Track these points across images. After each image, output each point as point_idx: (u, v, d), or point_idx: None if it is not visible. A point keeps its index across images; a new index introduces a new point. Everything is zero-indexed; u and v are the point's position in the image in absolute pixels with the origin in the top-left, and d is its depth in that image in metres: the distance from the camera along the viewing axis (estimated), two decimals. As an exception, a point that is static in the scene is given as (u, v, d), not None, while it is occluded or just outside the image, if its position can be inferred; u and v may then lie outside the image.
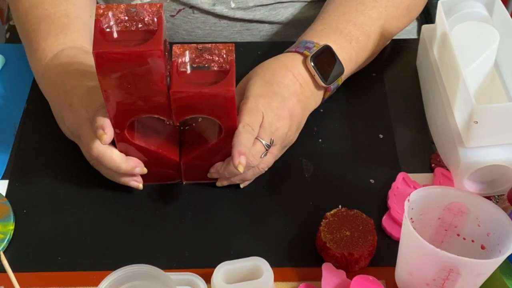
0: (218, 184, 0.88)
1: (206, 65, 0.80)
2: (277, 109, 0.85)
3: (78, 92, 0.85)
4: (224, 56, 0.80)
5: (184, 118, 0.81)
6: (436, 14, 0.92)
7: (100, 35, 0.76)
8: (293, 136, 0.89)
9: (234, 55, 0.80)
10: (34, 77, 0.96)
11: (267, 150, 0.84)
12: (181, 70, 0.80)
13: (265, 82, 0.86)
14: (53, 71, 0.89)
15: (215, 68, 0.80)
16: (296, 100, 0.87)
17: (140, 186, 0.86)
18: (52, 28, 0.92)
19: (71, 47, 0.90)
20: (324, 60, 0.90)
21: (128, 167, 0.84)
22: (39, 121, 0.95)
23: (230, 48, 0.80)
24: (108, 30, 0.77)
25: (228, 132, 0.82)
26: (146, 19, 0.77)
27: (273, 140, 0.85)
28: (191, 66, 0.80)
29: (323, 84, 0.90)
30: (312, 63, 0.89)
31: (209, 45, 0.80)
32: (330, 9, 0.96)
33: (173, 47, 0.80)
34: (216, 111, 0.80)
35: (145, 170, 0.85)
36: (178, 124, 0.83)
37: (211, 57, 0.80)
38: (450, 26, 0.89)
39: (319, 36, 0.92)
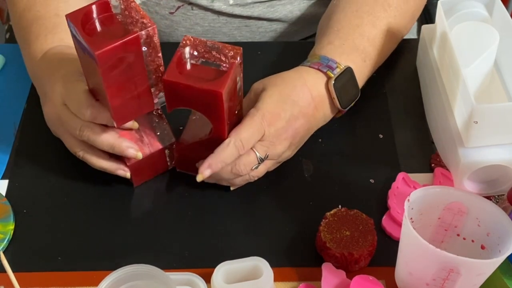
0: (200, 179, 0.85)
1: (215, 62, 0.81)
2: (281, 129, 0.84)
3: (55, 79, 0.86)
4: (229, 57, 0.80)
5: (176, 107, 0.82)
6: (436, 14, 0.92)
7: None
8: (290, 153, 0.88)
9: (239, 59, 0.80)
10: None
11: (259, 163, 0.84)
12: (184, 61, 0.81)
13: (280, 97, 0.85)
14: (39, 69, 0.90)
15: (221, 67, 0.81)
16: (304, 121, 0.86)
17: (128, 175, 0.86)
18: (42, 29, 0.93)
19: (59, 45, 0.91)
20: (344, 83, 0.89)
21: (122, 142, 0.84)
22: (39, 121, 0.95)
23: (237, 51, 0.80)
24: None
25: (217, 131, 0.82)
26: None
27: (268, 155, 0.84)
28: (200, 60, 0.81)
29: (340, 107, 0.90)
30: (333, 86, 0.88)
31: (219, 44, 0.80)
32: (342, 19, 0.94)
33: (184, 37, 0.81)
34: (206, 108, 0.81)
35: (139, 155, 0.85)
36: (170, 111, 0.83)
37: (219, 56, 0.80)
38: (450, 26, 0.89)
39: (339, 53, 0.91)
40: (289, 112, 0.85)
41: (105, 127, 0.84)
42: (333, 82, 0.88)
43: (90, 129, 0.83)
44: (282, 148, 0.85)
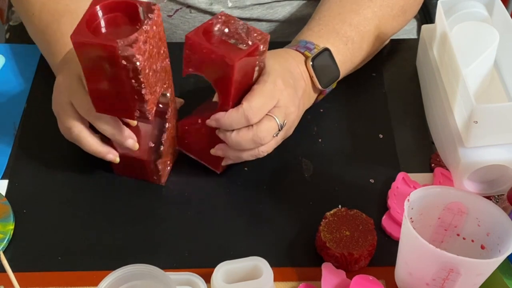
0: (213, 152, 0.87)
1: (243, 44, 0.81)
2: (293, 94, 0.85)
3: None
4: (256, 39, 0.80)
5: (190, 72, 0.82)
6: (436, 14, 0.92)
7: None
8: (292, 130, 0.89)
9: (264, 46, 0.80)
10: (50, 68, 0.95)
11: (279, 130, 0.84)
12: (212, 33, 0.81)
13: (281, 67, 0.86)
14: (72, 53, 0.88)
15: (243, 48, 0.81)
16: (301, 94, 0.88)
17: (117, 159, 0.86)
18: (76, 21, 0.92)
19: None
20: (323, 63, 0.91)
21: (123, 134, 0.85)
22: (39, 121, 0.95)
23: (264, 37, 0.81)
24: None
25: (222, 108, 0.82)
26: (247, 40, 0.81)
27: (286, 122, 0.84)
28: (232, 39, 0.81)
29: (320, 87, 0.91)
30: (311, 64, 0.89)
31: (250, 27, 0.81)
32: (325, 9, 0.96)
33: (220, 13, 0.82)
34: (217, 77, 0.81)
35: (136, 146, 0.86)
36: (184, 75, 0.83)
37: (247, 39, 0.81)
38: (450, 26, 0.89)
39: (317, 36, 0.93)
40: (292, 80, 0.86)
41: None
42: (311, 61, 0.89)
43: None
44: (293, 115, 0.86)
